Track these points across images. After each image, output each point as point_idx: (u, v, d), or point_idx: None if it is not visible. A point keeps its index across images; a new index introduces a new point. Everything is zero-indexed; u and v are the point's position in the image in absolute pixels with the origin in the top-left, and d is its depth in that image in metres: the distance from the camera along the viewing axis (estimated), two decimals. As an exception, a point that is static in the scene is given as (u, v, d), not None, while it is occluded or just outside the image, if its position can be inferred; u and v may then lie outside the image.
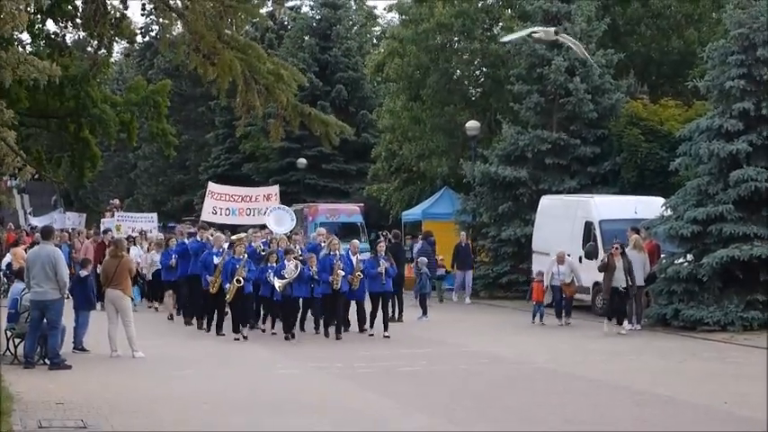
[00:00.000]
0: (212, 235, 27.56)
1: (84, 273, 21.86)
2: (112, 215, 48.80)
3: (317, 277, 24.45)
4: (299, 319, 25.53)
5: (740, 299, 25.27)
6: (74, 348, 21.36)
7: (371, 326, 25.10)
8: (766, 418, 14.36)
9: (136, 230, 40.17)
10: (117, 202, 59.69)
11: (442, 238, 36.74)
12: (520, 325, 28.42)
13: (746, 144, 26.36)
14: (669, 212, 27.64)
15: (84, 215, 63.96)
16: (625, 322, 25.64)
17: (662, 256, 27.66)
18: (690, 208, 26.79)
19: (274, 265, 24.64)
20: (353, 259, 25.10)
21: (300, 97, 39.09)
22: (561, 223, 31.80)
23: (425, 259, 31.44)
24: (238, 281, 23.96)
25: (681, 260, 26.67)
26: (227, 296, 24.28)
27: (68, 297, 20.86)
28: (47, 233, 20.30)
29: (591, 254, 29.95)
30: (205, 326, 26.07)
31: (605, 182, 35.98)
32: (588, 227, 30.65)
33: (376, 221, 50.51)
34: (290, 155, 58.24)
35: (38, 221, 53.72)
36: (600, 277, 29.21)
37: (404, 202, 47.53)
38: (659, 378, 18.65)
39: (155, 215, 48.30)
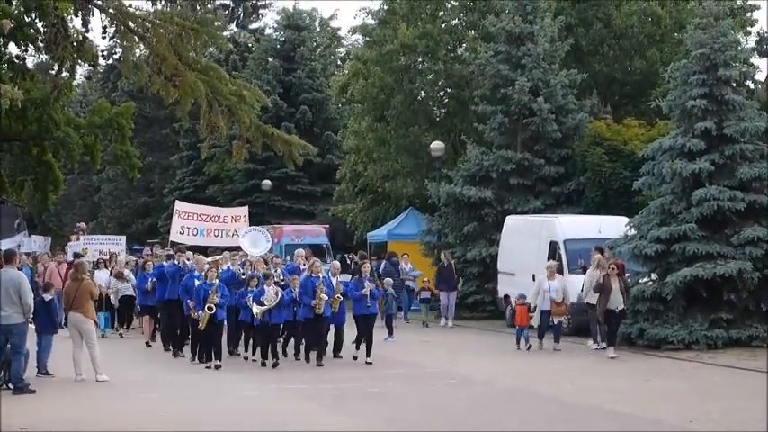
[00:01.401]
0: (189, 259, 26.61)
1: (47, 296, 21.65)
2: (78, 238, 48.01)
3: (299, 299, 23.55)
4: (281, 345, 24.62)
5: (704, 317, 25.38)
6: (38, 373, 21.19)
7: (357, 349, 23.99)
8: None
9: (103, 253, 39.42)
10: (83, 225, 59.13)
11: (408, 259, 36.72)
12: (486, 345, 28.43)
13: (708, 163, 26.53)
14: (633, 232, 27.76)
15: (50, 238, 63.47)
16: (598, 345, 25.52)
17: (626, 275, 27.73)
18: (653, 227, 26.92)
19: (254, 289, 23.79)
20: (333, 281, 24.04)
21: (265, 119, 39.20)
22: (526, 243, 31.88)
23: (391, 280, 31.41)
24: (210, 308, 22.83)
25: (645, 279, 26.81)
26: (200, 324, 23.06)
27: (32, 321, 20.69)
28: (9, 257, 20.17)
29: (555, 274, 30.00)
30: (183, 352, 25.23)
31: (569, 201, 36.10)
32: (553, 246, 30.70)
33: (341, 243, 50.47)
34: (255, 176, 58.16)
35: (2, 245, 52.98)
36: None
37: (369, 223, 47.54)
38: (625, 397, 18.70)
39: (122, 238, 46.97)
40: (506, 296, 33.36)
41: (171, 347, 26.20)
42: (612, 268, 24.85)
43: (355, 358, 23.93)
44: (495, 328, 32.50)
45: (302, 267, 25.96)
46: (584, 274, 28.16)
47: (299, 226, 49.22)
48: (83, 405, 18.23)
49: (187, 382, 21.17)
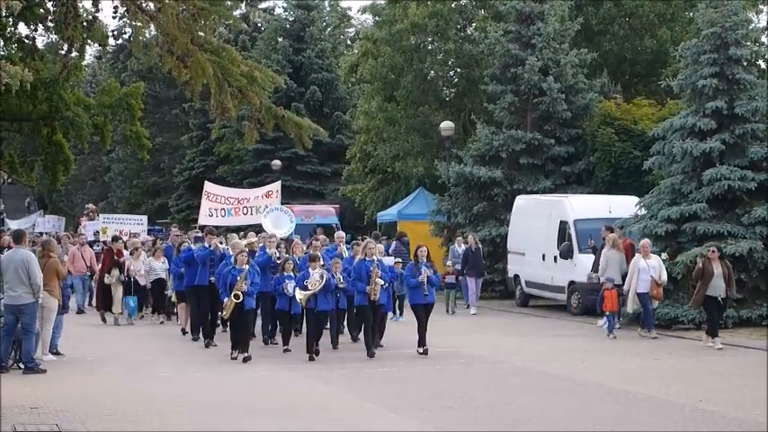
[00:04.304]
0: (221, 242, 24.75)
1: (58, 276, 21.65)
2: (92, 218, 47.56)
3: (342, 286, 21.64)
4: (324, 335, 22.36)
5: (716, 298, 25.34)
6: (48, 352, 21.24)
7: (420, 344, 21.78)
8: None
9: (123, 233, 38.60)
10: (92, 206, 59.02)
11: (417, 239, 36.63)
12: (495, 325, 28.46)
13: (719, 143, 26.52)
14: (643, 211, 27.78)
15: (63, 219, 63.67)
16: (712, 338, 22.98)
17: (635, 254, 27.69)
18: (664, 207, 26.92)
19: (292, 274, 22.12)
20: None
21: (274, 99, 39.22)
22: (536, 223, 31.88)
23: (400, 260, 31.30)
24: (236, 296, 20.78)
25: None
26: (225, 312, 21.24)
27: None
28: (18, 237, 20.18)
29: (566, 253, 30.00)
30: (213, 343, 23.61)
31: (579, 181, 36.08)
32: (563, 226, 30.69)
33: (351, 222, 50.54)
34: (265, 156, 58.18)
35: (17, 224, 52.82)
36: (575, 276, 29.43)
37: (379, 202, 47.57)
38: (635, 376, 18.71)
39: (144, 218, 45.63)
40: (516, 276, 33.40)
41: (201, 336, 24.32)
42: (713, 251, 22.90)
43: (424, 352, 21.72)
44: (504, 308, 32.50)
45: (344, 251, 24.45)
46: (594, 253, 28.19)
47: (308, 206, 49.27)
48: (94, 385, 18.27)
49: (199, 363, 21.18)
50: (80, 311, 31.90)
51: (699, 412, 15.16)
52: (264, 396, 17.08)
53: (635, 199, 29.15)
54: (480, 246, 32.95)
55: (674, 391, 16.99)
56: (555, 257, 30.63)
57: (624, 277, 26.62)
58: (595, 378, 18.45)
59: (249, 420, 14.78)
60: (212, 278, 23.31)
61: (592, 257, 28.42)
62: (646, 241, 25.10)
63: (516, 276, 33.43)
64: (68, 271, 30.45)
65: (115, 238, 32.47)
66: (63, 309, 21.75)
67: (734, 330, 24.63)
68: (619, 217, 28.65)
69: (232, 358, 21.23)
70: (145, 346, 24.13)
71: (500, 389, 17.61)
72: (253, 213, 32.18)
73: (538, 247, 31.68)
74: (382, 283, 21.62)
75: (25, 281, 19.02)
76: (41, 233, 47.00)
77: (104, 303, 29.83)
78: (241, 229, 32.22)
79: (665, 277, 24.57)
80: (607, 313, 25.08)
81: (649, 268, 24.33)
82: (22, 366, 19.36)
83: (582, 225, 30.08)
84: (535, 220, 32.09)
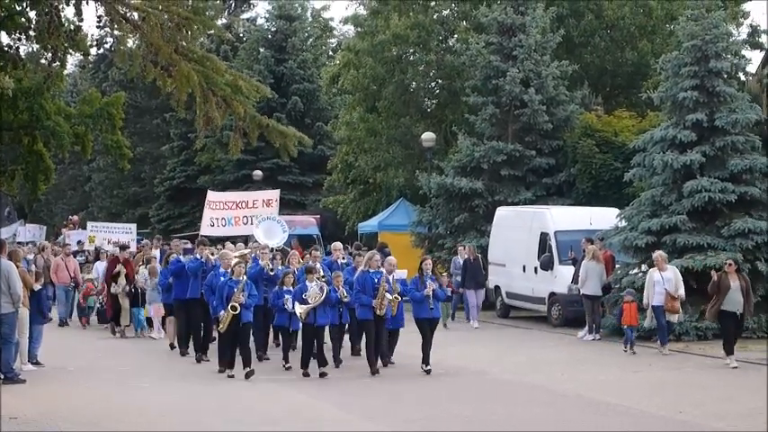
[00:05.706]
0: (213, 254, 23.76)
1: (36, 286, 21.55)
2: (74, 228, 47.01)
3: (345, 299, 20.82)
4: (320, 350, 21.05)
5: (694, 309, 25.39)
6: (28, 362, 21.17)
7: (424, 360, 20.88)
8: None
9: (111, 242, 37.86)
10: (76, 218, 58.60)
11: (398, 250, 36.61)
12: (475, 335, 28.48)
13: (700, 155, 26.63)
14: (624, 223, 27.83)
15: (45, 228, 63.39)
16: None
17: (617, 266, 27.79)
18: (644, 219, 26.99)
19: (292, 288, 20.94)
20: (390, 279, 20.96)
21: (256, 109, 39.20)
22: (517, 234, 31.89)
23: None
24: (234, 307, 19.99)
25: (635, 270, 26.80)
26: (221, 326, 20.33)
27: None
28: (-2, 247, 20.12)
29: (546, 265, 30.04)
30: (207, 356, 22.68)
31: (560, 193, 36.13)
32: (544, 238, 30.70)
33: (332, 233, 50.42)
34: (246, 167, 58.08)
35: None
36: (555, 287, 29.47)
37: (360, 213, 47.56)
38: (615, 388, 18.76)
39: (133, 226, 44.50)
40: (497, 287, 33.39)
41: (191, 351, 23.56)
42: (730, 264, 21.82)
43: (428, 371, 20.82)
44: (485, 319, 32.43)
45: (340, 262, 24.02)
46: (574, 265, 28.26)
47: (289, 216, 49.08)
48: (74, 395, 18.25)
49: (179, 372, 21.16)
50: (62, 323, 31.54)
51: (679, 423, 15.22)
52: (246, 405, 17.08)
53: (615, 211, 29.22)
54: (479, 256, 32.05)
55: (655, 402, 17.06)
56: (535, 269, 30.66)
57: (604, 289, 26.85)
58: (575, 389, 18.50)
59: (233, 428, 14.79)
60: (203, 290, 22.44)
61: (572, 269, 28.50)
62: (659, 253, 24.08)
63: (497, 287, 33.42)
64: (51, 281, 30.46)
65: (123, 247, 31.20)
66: (42, 318, 21.70)
67: (713, 342, 24.63)
68: (599, 229, 28.71)
69: (228, 376, 20.39)
70: (128, 359, 23.99)
71: (480, 400, 17.63)
72: (253, 223, 30.71)
73: (518, 259, 31.70)
74: (390, 297, 20.72)
75: (5, 290, 18.96)
76: (20, 243, 46.63)
77: (113, 315, 29.00)
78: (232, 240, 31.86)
79: (681, 291, 23.53)
80: (625, 327, 24.25)
81: (664, 281, 23.39)
82: (1, 376, 19.29)
83: (562, 237, 30.11)
84: (516, 231, 32.10)
